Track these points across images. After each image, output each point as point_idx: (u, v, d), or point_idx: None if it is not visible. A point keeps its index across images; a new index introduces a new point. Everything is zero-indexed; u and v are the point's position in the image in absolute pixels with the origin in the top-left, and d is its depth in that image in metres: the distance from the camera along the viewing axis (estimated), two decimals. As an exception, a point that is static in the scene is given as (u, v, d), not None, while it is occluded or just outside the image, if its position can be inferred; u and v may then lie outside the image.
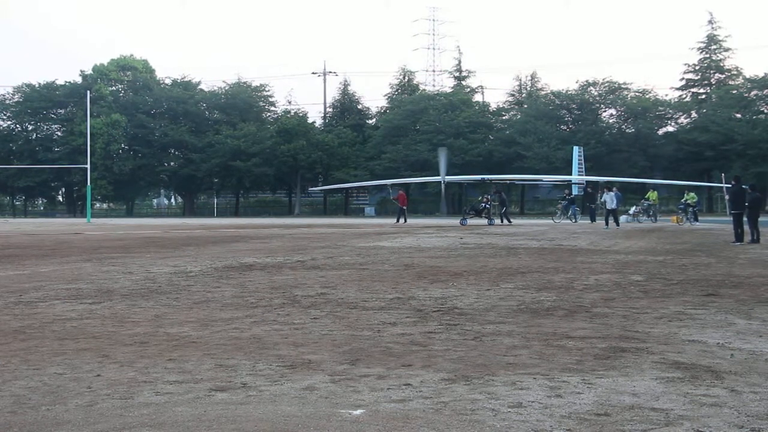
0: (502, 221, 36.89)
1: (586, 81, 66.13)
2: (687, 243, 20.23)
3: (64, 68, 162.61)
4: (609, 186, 35.21)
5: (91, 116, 54.61)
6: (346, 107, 77.39)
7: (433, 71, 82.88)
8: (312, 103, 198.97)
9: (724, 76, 69.12)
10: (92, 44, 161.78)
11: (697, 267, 13.04)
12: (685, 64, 70.04)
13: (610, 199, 31.18)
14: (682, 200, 37.22)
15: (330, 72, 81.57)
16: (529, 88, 75.63)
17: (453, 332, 6.67)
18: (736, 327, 6.95)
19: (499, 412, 4.20)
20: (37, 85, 72.35)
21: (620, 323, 7.15)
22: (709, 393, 4.58)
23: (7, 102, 72.75)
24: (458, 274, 11.79)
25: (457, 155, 59.90)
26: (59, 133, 73.43)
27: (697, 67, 69.33)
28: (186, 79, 75.02)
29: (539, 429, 3.90)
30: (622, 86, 65.68)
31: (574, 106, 66.52)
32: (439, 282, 10.72)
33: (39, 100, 71.28)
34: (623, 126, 66.33)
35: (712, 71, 69.30)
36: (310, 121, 73.75)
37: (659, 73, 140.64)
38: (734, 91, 64.37)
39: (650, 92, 66.30)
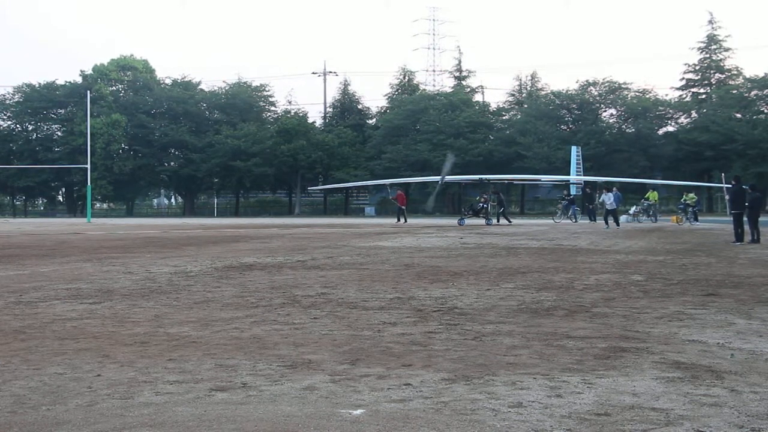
0: (499, 221, 36.90)
1: (586, 81, 66.14)
2: (687, 243, 20.23)
3: (64, 68, 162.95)
4: (608, 186, 35.20)
5: (91, 116, 54.59)
6: (346, 107, 77.35)
7: (433, 71, 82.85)
8: (312, 103, 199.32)
9: (724, 76, 69.03)
10: (92, 44, 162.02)
11: (697, 267, 13.04)
12: (685, 64, 70.03)
13: (609, 199, 31.19)
14: (682, 200, 37.24)
15: (330, 72, 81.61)
16: (529, 88, 75.56)
17: (453, 332, 6.67)
18: (736, 327, 6.95)
19: (500, 412, 4.20)
20: (37, 85, 72.29)
21: (620, 323, 7.15)
22: (709, 393, 4.58)
23: (7, 102, 72.66)
24: (458, 274, 11.79)
25: (457, 155, 59.76)
26: (59, 133, 73.36)
27: (697, 67, 69.26)
28: (186, 79, 74.94)
29: (539, 429, 3.90)
30: (622, 86, 65.65)
31: (574, 106, 66.50)
32: (440, 282, 10.72)
33: (39, 100, 71.24)
34: (623, 126, 66.28)
35: (712, 71, 69.23)
36: (310, 121, 73.75)
37: (659, 73, 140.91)
38: (734, 91, 64.30)
39: (650, 92, 66.35)
